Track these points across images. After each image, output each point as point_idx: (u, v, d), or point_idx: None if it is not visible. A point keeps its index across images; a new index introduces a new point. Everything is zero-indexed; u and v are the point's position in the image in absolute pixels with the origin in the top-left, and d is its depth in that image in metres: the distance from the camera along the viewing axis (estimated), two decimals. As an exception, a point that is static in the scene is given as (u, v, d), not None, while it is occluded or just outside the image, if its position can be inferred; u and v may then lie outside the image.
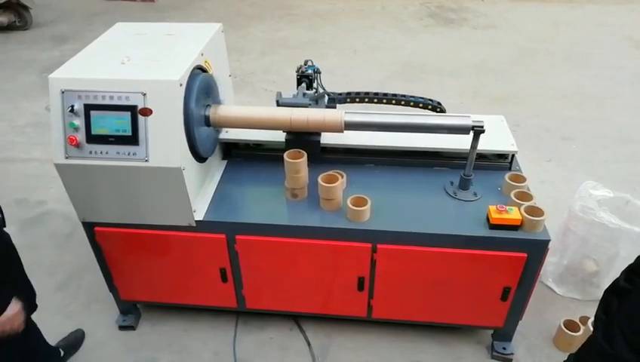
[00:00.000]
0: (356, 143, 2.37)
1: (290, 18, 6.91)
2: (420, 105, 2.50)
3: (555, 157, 3.90)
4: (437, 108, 2.50)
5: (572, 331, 2.41)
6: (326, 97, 2.46)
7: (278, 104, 2.30)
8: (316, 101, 2.41)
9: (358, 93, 2.52)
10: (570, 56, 5.64)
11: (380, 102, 2.51)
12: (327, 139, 2.35)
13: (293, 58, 5.60)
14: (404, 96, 2.50)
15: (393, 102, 2.50)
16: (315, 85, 2.47)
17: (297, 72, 2.44)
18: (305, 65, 2.47)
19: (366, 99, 2.52)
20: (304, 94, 2.37)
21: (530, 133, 4.13)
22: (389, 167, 2.41)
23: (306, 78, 2.43)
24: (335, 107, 2.47)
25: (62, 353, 2.34)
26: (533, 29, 6.45)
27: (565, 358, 1.82)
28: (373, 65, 5.49)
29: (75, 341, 2.51)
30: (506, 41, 6.09)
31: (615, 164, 3.78)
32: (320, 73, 2.47)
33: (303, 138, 2.31)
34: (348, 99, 2.52)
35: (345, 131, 2.16)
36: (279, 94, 2.33)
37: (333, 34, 6.39)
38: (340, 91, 2.54)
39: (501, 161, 2.40)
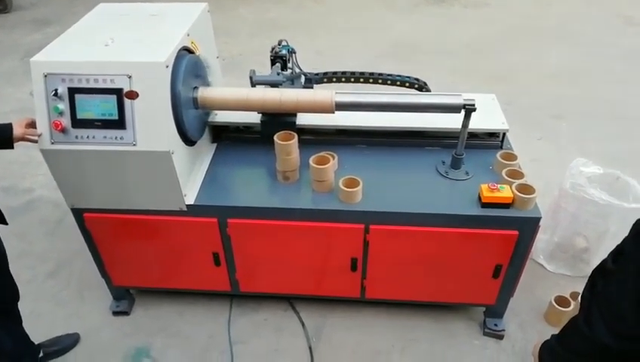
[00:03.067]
0: (334, 123, 2.34)
1: (279, -2, 6.78)
2: (398, 83, 2.48)
3: (546, 135, 3.91)
4: (415, 84, 2.48)
5: (563, 307, 2.44)
6: (302, 77, 2.42)
7: (252, 81, 2.26)
8: (292, 81, 2.37)
9: (334, 73, 2.49)
10: (561, 34, 5.61)
11: (357, 81, 2.49)
12: (303, 120, 2.32)
13: (283, 39, 5.53)
14: (380, 74, 2.48)
15: (370, 80, 2.48)
16: (290, 65, 2.43)
17: (271, 52, 2.39)
18: (279, 45, 2.41)
19: (343, 79, 2.50)
20: (278, 74, 2.32)
21: (522, 112, 4.12)
22: (381, 148, 2.39)
23: (279, 58, 2.38)
24: (312, 87, 2.44)
25: (41, 353, 2.29)
26: (524, 6, 6.39)
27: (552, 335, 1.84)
28: (364, 46, 5.43)
29: (65, 345, 2.42)
30: (497, 19, 6.04)
31: (605, 141, 3.80)
32: (295, 53, 2.43)
33: (278, 119, 2.29)
34: (325, 79, 2.49)
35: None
36: (253, 72, 2.28)
37: (323, 14, 6.29)
38: (325, 71, 2.50)
39: (492, 140, 2.40)
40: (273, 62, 2.39)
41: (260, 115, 2.32)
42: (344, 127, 2.37)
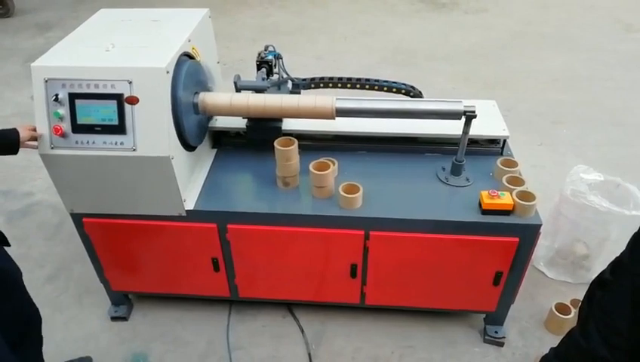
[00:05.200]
0: (334, 129, 2.34)
1: (280, 3, 6.81)
2: (385, 88, 2.45)
3: (547, 141, 3.91)
4: (403, 90, 2.46)
5: (563, 314, 2.43)
6: (290, 82, 2.42)
7: (236, 86, 2.26)
8: (278, 86, 2.37)
9: (322, 78, 2.49)
10: (561, 39, 5.62)
11: (344, 86, 2.47)
12: (290, 125, 2.33)
13: (284, 44, 5.51)
14: (367, 80, 2.45)
15: (358, 86, 2.46)
16: (276, 71, 2.42)
17: (257, 57, 2.38)
18: (265, 50, 2.41)
19: (330, 85, 2.48)
20: (263, 79, 2.32)
21: (522, 118, 4.12)
22: (381, 154, 2.39)
23: (265, 63, 2.37)
24: (299, 92, 2.44)
25: None
26: (523, 11, 6.41)
27: (556, 343, 1.83)
28: (364, 51, 5.44)
29: None
30: (497, 24, 6.06)
31: (606, 148, 3.80)
32: (281, 58, 2.42)
33: (264, 124, 2.29)
34: (312, 85, 2.48)
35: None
36: (237, 77, 2.27)
37: (324, 19, 6.31)
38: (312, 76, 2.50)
39: (493, 146, 2.39)
40: (259, 68, 2.38)
41: (246, 120, 2.32)
42: (344, 133, 2.37)
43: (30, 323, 2.04)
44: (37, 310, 2.05)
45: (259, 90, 2.26)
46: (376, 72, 4.50)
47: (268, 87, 2.26)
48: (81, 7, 6.77)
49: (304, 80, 2.47)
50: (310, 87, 2.50)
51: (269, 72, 2.39)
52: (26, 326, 2.01)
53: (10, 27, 6.29)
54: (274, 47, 2.43)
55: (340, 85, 2.48)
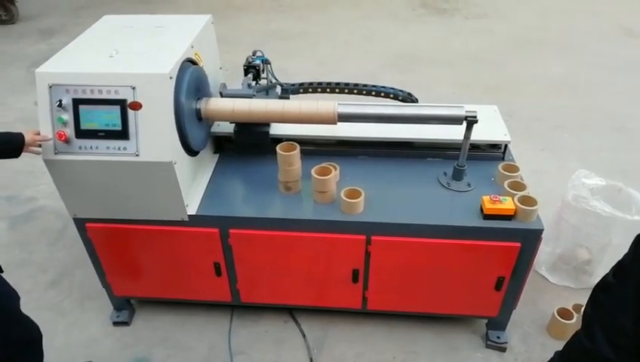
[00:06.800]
0: (333, 135, 2.34)
1: (282, 9, 6.85)
2: (373, 93, 2.46)
3: (548, 146, 3.91)
4: (399, 97, 2.46)
5: (565, 319, 2.42)
6: (278, 88, 2.43)
7: (222, 95, 2.26)
8: (266, 92, 2.37)
9: (311, 84, 2.48)
10: (562, 45, 5.64)
11: (332, 91, 2.48)
12: (277, 130, 2.34)
13: (286, 50, 5.58)
14: (356, 85, 2.46)
15: (346, 91, 2.46)
16: (264, 75, 2.42)
17: (245, 62, 2.38)
18: (253, 55, 2.41)
19: (319, 90, 2.48)
20: (249, 85, 2.32)
21: (523, 123, 4.13)
22: (383, 159, 2.40)
23: (253, 68, 2.37)
24: (288, 98, 2.44)
25: None
26: (525, 17, 6.44)
27: (558, 348, 1.83)
28: (365, 56, 5.46)
29: None
30: (498, 30, 6.08)
31: (608, 153, 3.80)
32: (270, 64, 2.43)
33: (251, 129, 2.30)
34: (301, 90, 2.48)
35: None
36: (222, 86, 2.28)
37: (325, 24, 6.34)
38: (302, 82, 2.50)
39: (494, 151, 2.40)
40: (246, 73, 2.38)
41: (234, 125, 2.33)
42: (346, 138, 2.37)
43: (30, 343, 1.99)
44: (37, 327, 2.00)
45: (243, 98, 2.23)
46: (378, 78, 4.51)
47: (253, 95, 2.25)
48: (83, 13, 6.82)
49: (293, 85, 2.47)
50: (299, 92, 2.50)
51: (257, 77, 2.39)
52: (25, 347, 1.97)
53: (13, 33, 6.33)
54: (262, 52, 2.44)
55: (328, 90, 2.48)
